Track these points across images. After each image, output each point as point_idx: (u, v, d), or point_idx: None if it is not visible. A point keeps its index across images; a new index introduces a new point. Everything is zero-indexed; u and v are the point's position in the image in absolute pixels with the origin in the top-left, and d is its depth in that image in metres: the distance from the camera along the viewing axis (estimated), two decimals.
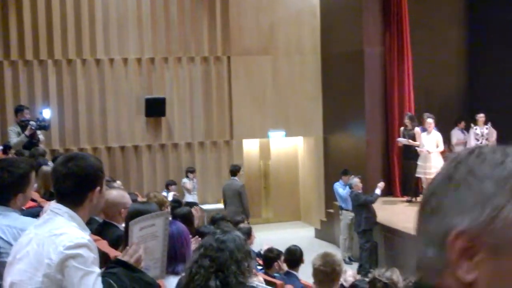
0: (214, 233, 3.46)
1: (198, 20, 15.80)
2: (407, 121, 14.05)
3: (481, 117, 15.27)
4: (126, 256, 3.18)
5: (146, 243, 3.36)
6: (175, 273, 4.26)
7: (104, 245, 4.54)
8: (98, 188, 3.03)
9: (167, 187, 14.10)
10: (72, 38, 14.98)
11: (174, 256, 3.99)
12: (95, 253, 2.92)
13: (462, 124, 15.64)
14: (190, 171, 15.01)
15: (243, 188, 13.31)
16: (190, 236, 5.15)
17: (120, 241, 4.49)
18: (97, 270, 2.89)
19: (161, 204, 6.40)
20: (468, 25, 16.73)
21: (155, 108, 15.40)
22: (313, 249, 12.40)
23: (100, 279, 2.87)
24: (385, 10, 14.91)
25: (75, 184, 2.97)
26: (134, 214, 4.51)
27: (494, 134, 15.16)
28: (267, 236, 15.00)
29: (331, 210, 15.08)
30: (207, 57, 15.91)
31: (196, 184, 14.99)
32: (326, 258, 5.64)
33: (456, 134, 15.61)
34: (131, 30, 15.42)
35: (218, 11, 15.88)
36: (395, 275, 5.01)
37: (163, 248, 3.56)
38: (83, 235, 2.90)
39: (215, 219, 8.48)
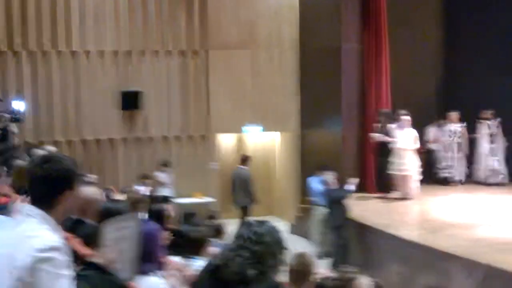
0: (250, 224, 3.55)
1: (176, 13, 15.75)
2: (381, 117, 14.13)
3: (454, 114, 15.43)
4: (98, 258, 3.18)
5: (118, 245, 3.37)
6: (143, 272, 4.28)
7: (77, 244, 4.54)
8: (73, 191, 3.03)
9: (142, 180, 14.04)
10: (47, 29, 14.86)
11: (142, 256, 4.01)
12: (68, 256, 2.91)
13: (438, 121, 15.81)
14: (166, 164, 14.97)
15: (250, 176, 14.68)
16: (162, 235, 5.18)
17: (93, 239, 4.50)
18: (70, 273, 2.88)
19: (138, 201, 6.37)
20: (445, 24, 16.87)
21: (131, 101, 15.35)
22: (287, 244, 12.49)
23: (72, 282, 2.86)
24: (364, 8, 14.96)
25: (49, 186, 2.95)
26: (105, 213, 4.53)
27: (466, 134, 15.34)
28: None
29: (306, 206, 15.12)
30: (184, 51, 15.87)
31: (171, 178, 14.95)
32: (300, 258, 5.68)
33: (432, 131, 15.78)
34: (108, 22, 15.32)
35: (196, 4, 15.84)
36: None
37: (135, 250, 3.58)
38: (56, 238, 2.89)
39: (187, 216, 8.36)
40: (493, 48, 15.70)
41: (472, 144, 15.68)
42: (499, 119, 15.38)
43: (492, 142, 15.45)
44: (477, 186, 15.11)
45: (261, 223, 3.56)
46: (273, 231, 3.50)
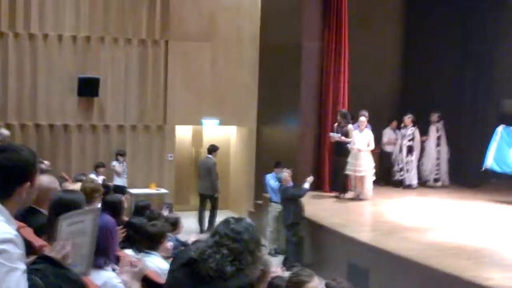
0: (228, 221, 3.53)
1: (137, 1, 15.55)
2: (339, 117, 14.18)
3: (407, 117, 15.58)
4: (53, 252, 3.07)
5: (74, 239, 3.26)
6: (98, 266, 4.18)
7: (29, 233, 4.41)
8: (30, 183, 2.92)
9: (96, 169, 13.83)
10: (5, 10, 14.53)
11: (97, 249, 3.91)
12: (22, 249, 2.81)
13: (394, 123, 15.94)
14: (121, 154, 14.79)
15: (214, 166, 14.93)
16: (117, 227, 5.07)
17: (46, 230, 4.37)
18: (23, 266, 2.77)
19: (94, 191, 6.23)
20: (405, 24, 17.04)
21: (88, 88, 15.12)
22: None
23: (25, 276, 2.76)
24: (325, 6, 14.95)
25: (4, 177, 2.84)
26: (57, 203, 4.41)
27: (417, 136, 15.49)
28: (195, 224, 14.99)
29: (260, 201, 15.12)
30: (144, 40, 15.70)
31: (126, 167, 14.78)
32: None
33: (388, 134, 15.90)
34: (68, 6, 15.06)
35: None
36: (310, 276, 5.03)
37: (91, 245, 3.49)
38: (10, 230, 2.78)
39: (139, 208, 8.20)
40: (447, 51, 16.01)
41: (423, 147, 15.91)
42: (443, 121, 15.67)
43: (438, 145, 15.66)
44: (430, 189, 15.30)
45: (239, 220, 3.55)
46: (251, 229, 3.50)
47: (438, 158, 15.79)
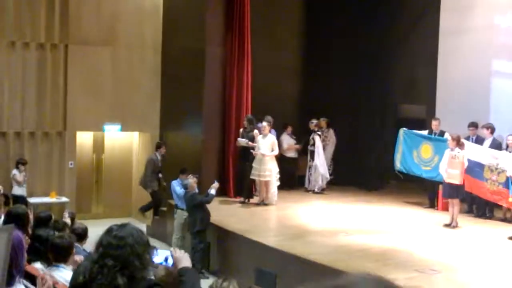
0: (110, 229, 3.34)
1: (35, 4, 15.09)
2: (245, 122, 14.25)
3: (311, 123, 15.82)
4: None
5: None
6: (9, 283, 4.01)
7: None
8: None
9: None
10: None
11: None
12: None
13: (289, 129, 16.14)
14: (22, 162, 14.29)
15: (149, 161, 15.25)
16: (24, 241, 4.87)
17: None
18: None
19: None
20: (307, 31, 17.35)
21: None
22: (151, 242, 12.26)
23: None
24: (228, 12, 15.00)
25: None
26: None
27: (317, 141, 15.73)
28: (97, 233, 14.64)
29: (164, 208, 14.97)
30: (43, 44, 15.24)
31: (26, 176, 14.29)
32: (167, 269, 5.60)
33: (286, 139, 16.06)
34: None
35: None
36: (232, 285, 5.01)
37: (3, 263, 3.33)
38: None
39: (41, 219, 7.81)
40: (345, 58, 16.48)
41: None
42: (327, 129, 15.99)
43: (324, 149, 15.90)
44: (334, 193, 15.54)
45: (121, 226, 3.38)
46: (134, 232, 3.32)
47: (324, 163, 15.90)
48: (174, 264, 3.68)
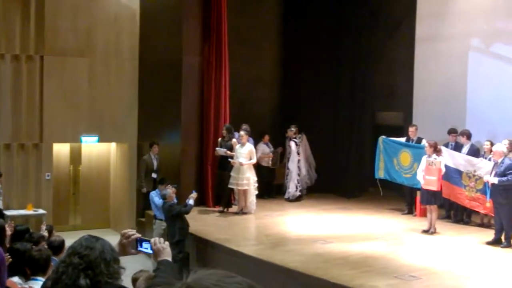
0: (83, 237, 3.35)
1: (10, 15, 14.95)
2: (224, 132, 14.25)
3: (291, 130, 15.86)
4: None
5: None
6: None
7: None
8: None
9: None
10: None
11: None
12: None
13: (266, 137, 16.14)
14: None
15: (141, 162, 15.24)
16: (4, 256, 4.82)
17: None
18: None
19: None
20: (284, 40, 17.40)
21: None
22: (122, 257, 12.16)
23: None
24: (205, 22, 15.00)
25: None
26: None
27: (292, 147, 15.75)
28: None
29: (143, 219, 14.89)
30: (18, 55, 15.10)
31: (2, 188, 14.12)
32: (146, 274, 5.58)
33: (262, 148, 16.05)
34: None
35: (32, 8, 15.11)
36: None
37: None
38: None
39: (18, 233, 7.73)
40: (323, 65, 16.57)
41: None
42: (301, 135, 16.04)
43: (299, 156, 15.91)
44: (312, 201, 15.56)
45: (94, 237, 3.38)
46: (107, 243, 3.34)
47: (299, 171, 15.95)
48: (154, 255, 3.67)
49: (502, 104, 13.61)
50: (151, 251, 3.65)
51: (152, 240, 3.72)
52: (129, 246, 3.66)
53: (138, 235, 3.73)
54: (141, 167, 15.14)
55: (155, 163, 14.96)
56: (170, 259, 3.67)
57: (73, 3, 15.64)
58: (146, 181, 14.81)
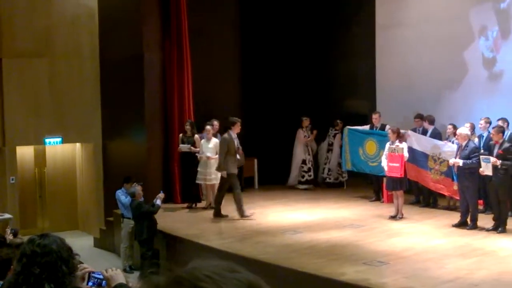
0: (32, 239, 3.28)
1: None
2: (187, 127, 14.16)
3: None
4: None
5: None
6: None
7: None
8: None
9: None
10: None
11: None
12: None
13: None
14: None
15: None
16: None
17: None
18: None
19: None
20: (242, 34, 17.31)
21: None
22: (92, 258, 12.08)
23: None
24: (165, 17, 14.88)
25: None
26: None
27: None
28: None
29: (111, 219, 14.77)
30: None
31: None
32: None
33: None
34: None
35: None
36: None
37: None
38: None
39: None
40: (285, 60, 16.60)
41: None
42: None
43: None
44: (280, 193, 15.57)
45: (43, 235, 3.35)
46: (58, 240, 3.30)
47: None
48: (108, 284, 3.64)
49: (464, 88, 13.82)
50: (103, 283, 3.63)
51: (101, 271, 3.70)
52: (80, 279, 3.61)
53: (90, 269, 3.70)
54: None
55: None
56: (124, 281, 3.64)
57: (29, 3, 15.43)
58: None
